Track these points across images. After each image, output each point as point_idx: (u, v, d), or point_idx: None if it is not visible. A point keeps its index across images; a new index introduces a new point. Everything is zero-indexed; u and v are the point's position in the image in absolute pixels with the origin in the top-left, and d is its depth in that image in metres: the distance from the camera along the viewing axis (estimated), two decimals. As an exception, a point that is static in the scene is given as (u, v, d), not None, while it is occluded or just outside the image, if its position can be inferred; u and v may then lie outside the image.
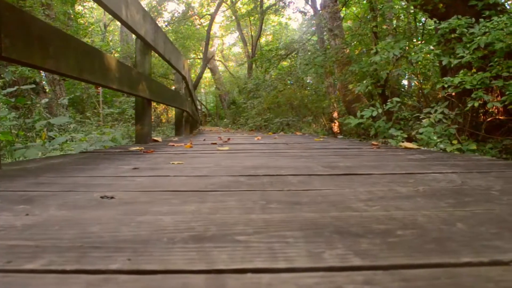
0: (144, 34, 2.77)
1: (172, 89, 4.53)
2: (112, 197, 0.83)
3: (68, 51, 1.66)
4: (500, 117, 4.65)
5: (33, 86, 3.72)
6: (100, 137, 3.42)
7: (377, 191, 0.86)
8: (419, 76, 7.19)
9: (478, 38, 4.01)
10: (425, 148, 3.53)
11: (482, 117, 4.79)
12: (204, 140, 3.41)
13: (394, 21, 6.42)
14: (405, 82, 10.10)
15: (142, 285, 0.36)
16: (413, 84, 8.60)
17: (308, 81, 9.95)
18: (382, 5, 5.57)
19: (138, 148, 2.28)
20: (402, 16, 6.61)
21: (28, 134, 3.22)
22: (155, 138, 3.28)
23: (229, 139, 3.48)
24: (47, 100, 4.54)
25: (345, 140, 3.32)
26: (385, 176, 1.10)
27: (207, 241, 0.50)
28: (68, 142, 3.77)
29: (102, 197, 0.83)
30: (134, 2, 2.49)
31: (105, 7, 2.08)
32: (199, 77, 13.69)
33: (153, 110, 13.32)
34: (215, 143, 2.89)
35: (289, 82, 9.29)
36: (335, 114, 8.09)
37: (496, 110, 4.64)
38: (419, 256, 0.43)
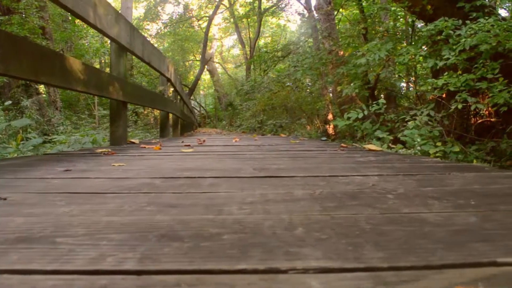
0: (116, 36, 2.78)
1: (152, 91, 4.55)
2: (5, 199, 0.84)
3: (20, 54, 1.68)
4: (491, 119, 4.61)
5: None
6: (80, 139, 3.45)
7: (271, 194, 0.86)
8: (412, 77, 7.15)
9: (464, 39, 3.99)
10: (403, 150, 3.51)
11: (473, 119, 4.76)
12: (182, 142, 3.42)
13: (391, 23, 6.39)
14: (403, 84, 10.04)
15: None
16: (411, 86, 8.54)
17: (307, 82, 9.93)
18: (371, 7, 5.56)
19: (104, 150, 2.30)
20: (401, 19, 6.58)
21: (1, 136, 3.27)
22: (132, 140, 3.30)
23: (204, 140, 3.49)
24: (10, 102, 4.60)
25: (320, 142, 3.31)
26: (304, 178, 1.10)
27: (27, 242, 0.50)
28: (54, 143, 3.81)
29: (-4, 199, 0.84)
30: (103, 3, 2.50)
31: (66, 8, 2.09)
32: (197, 79, 13.75)
33: (151, 112, 13.37)
34: (189, 145, 2.90)
35: (285, 84, 9.28)
36: (330, 116, 8.07)
37: (487, 112, 4.60)
38: (198, 262, 0.43)
